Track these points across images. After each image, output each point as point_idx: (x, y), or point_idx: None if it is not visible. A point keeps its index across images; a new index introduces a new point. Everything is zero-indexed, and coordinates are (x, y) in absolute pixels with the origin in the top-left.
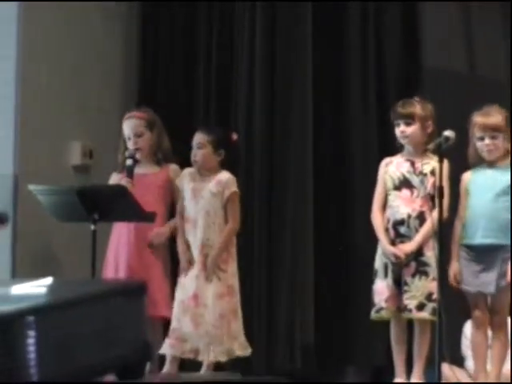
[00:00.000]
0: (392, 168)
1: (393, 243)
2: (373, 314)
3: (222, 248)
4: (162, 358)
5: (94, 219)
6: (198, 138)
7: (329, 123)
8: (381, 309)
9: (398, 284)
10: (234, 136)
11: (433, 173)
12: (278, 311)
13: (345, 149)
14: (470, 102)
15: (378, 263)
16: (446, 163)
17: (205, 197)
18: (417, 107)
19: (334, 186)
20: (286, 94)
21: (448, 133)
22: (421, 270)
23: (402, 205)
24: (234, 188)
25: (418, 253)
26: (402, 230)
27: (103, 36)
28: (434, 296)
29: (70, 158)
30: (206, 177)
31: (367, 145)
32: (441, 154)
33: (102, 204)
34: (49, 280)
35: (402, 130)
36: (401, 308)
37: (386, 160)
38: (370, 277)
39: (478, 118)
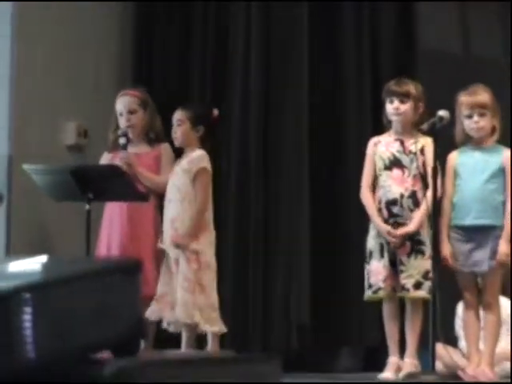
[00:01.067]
0: (381, 148)
1: (386, 223)
2: (369, 295)
3: (191, 226)
4: (159, 334)
5: (89, 198)
6: (178, 115)
7: (324, 106)
8: (379, 289)
9: (393, 264)
10: (215, 112)
11: (422, 152)
12: (274, 291)
13: (340, 131)
14: (465, 85)
15: (372, 244)
16: (433, 143)
17: (178, 173)
18: (411, 86)
19: (328, 170)
20: (280, 86)
21: (442, 112)
22: (416, 249)
23: (394, 184)
24: (202, 164)
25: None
26: (395, 209)
27: (99, 16)
28: (431, 274)
29: (64, 138)
30: (186, 154)
31: (362, 127)
32: (435, 133)
33: (96, 183)
34: (44, 257)
35: (396, 107)
36: (396, 288)
37: (374, 139)
38: (364, 258)
39: (466, 97)
